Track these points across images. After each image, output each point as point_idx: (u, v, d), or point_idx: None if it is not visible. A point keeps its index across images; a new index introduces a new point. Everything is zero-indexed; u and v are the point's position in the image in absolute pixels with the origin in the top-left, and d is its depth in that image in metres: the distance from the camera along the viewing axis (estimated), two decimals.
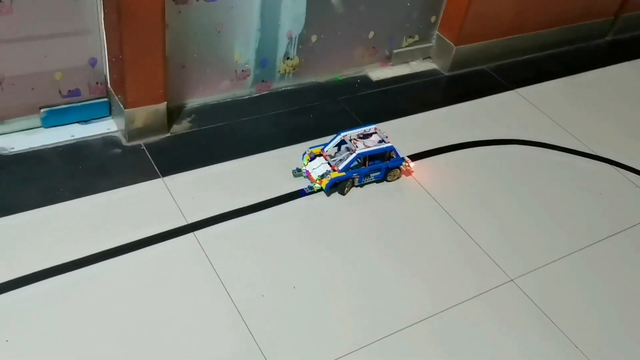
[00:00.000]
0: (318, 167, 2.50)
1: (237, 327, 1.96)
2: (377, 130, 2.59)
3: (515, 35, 3.48)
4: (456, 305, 2.15)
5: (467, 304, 2.16)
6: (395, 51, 3.30)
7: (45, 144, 2.49)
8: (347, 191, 2.49)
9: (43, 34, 2.33)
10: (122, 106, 2.48)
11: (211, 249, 2.18)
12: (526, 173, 2.80)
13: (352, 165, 2.46)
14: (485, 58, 3.46)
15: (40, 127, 2.53)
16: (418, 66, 3.41)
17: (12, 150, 2.43)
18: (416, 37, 3.33)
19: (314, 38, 2.95)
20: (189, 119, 2.76)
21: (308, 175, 2.51)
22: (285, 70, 2.97)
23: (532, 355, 2.04)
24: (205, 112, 2.81)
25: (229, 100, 2.90)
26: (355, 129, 2.58)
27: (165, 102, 2.54)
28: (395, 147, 2.55)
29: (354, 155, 2.46)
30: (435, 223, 2.47)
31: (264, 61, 2.88)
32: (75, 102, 2.55)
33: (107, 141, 2.57)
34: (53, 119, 2.53)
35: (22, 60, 2.34)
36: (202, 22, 2.59)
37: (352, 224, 2.39)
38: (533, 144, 2.98)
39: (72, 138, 2.54)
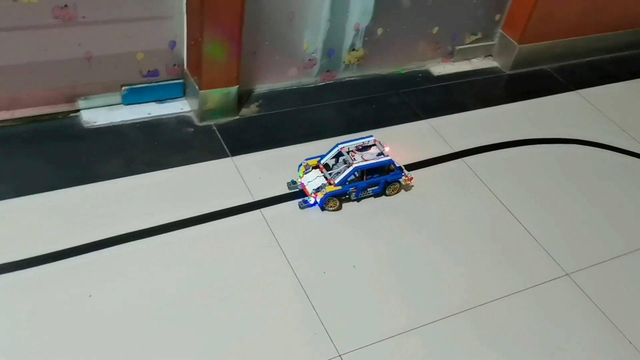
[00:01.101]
0: (313, 180, 2.39)
1: (300, 299, 2.07)
2: (376, 142, 2.47)
3: (578, 37, 3.48)
4: (508, 295, 2.20)
5: (519, 295, 2.21)
6: (457, 47, 3.35)
7: (124, 119, 2.66)
8: (335, 208, 2.39)
9: (129, 17, 2.48)
10: (197, 87, 2.62)
11: (276, 226, 2.29)
12: (584, 173, 2.82)
13: (349, 179, 2.37)
14: (548, 58, 3.48)
15: (120, 104, 2.70)
16: (479, 63, 3.45)
17: (94, 124, 2.60)
18: (479, 35, 3.37)
19: (379, 31, 3.03)
20: (257, 103, 2.88)
21: (303, 188, 2.41)
22: (350, 61, 3.07)
23: (584, 349, 2.08)
24: (272, 98, 2.93)
25: (295, 87, 3.02)
26: (353, 140, 2.47)
27: (237, 86, 2.67)
28: (394, 160, 2.44)
29: (350, 168, 2.34)
30: (492, 215, 2.52)
31: (331, 51, 2.98)
32: (153, 82, 2.70)
33: (181, 120, 2.72)
34: (132, 96, 2.69)
35: (109, 41, 2.50)
36: (276, 10, 2.70)
37: (414, 213, 2.47)
38: (592, 145, 2.99)
39: (149, 116, 2.70)
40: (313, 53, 2.95)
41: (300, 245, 2.25)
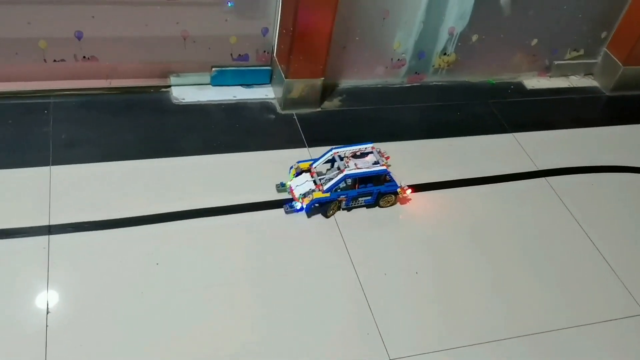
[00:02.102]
0: (302, 184, 2.28)
1: (356, 295, 2.05)
2: (373, 150, 2.32)
3: None
4: (578, 326, 2.08)
5: (589, 328, 2.09)
6: (556, 62, 3.20)
7: (211, 99, 2.74)
8: (332, 214, 2.27)
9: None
10: (283, 76, 2.65)
11: (343, 222, 2.28)
12: None
13: (338, 187, 2.24)
14: None
15: (208, 84, 2.79)
16: (578, 81, 3.28)
17: (182, 101, 2.70)
18: (581, 51, 3.21)
19: (474, 37, 2.94)
20: (339, 98, 2.89)
21: (291, 192, 2.30)
22: (440, 65, 3.00)
23: None
24: (355, 94, 2.92)
25: (379, 86, 3.00)
26: (349, 146, 2.33)
27: (322, 78, 2.69)
28: (389, 171, 2.29)
29: (341, 175, 2.22)
30: (570, 240, 2.39)
31: (421, 53, 2.93)
32: (242, 66, 2.77)
33: (264, 106, 2.76)
34: (221, 78, 2.77)
35: (205, 22, 2.58)
36: (370, 7, 2.69)
37: (491, 223, 2.39)
38: None
39: (234, 98, 2.77)
40: (403, 53, 2.91)
41: (364, 243, 2.23)
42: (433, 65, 3.00)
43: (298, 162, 2.34)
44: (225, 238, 2.16)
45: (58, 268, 1.95)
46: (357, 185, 2.26)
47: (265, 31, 2.68)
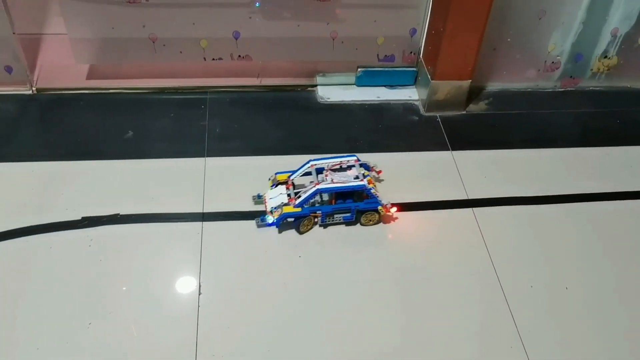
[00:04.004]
0: (276, 197, 2.15)
1: (498, 305, 1.97)
2: (356, 163, 2.16)
3: None
4: None
5: None
6: None
7: (355, 99, 2.77)
8: (305, 230, 2.12)
9: (378, 3, 2.57)
10: (429, 77, 2.62)
11: (487, 228, 2.20)
12: None
13: (310, 201, 2.09)
14: None
15: (353, 84, 2.82)
16: None
17: (327, 100, 2.76)
18: None
19: None
20: (486, 101, 2.79)
21: (265, 204, 2.18)
22: (598, 69, 2.80)
23: None
24: (503, 97, 2.81)
25: (529, 90, 2.86)
26: (329, 157, 2.18)
27: (470, 80, 2.61)
28: (367, 187, 2.09)
29: (312, 190, 2.06)
30: None
31: (578, 56, 2.75)
32: (387, 67, 2.77)
33: (407, 108, 2.75)
34: (366, 79, 2.79)
35: (355, 23, 2.61)
36: (525, 7, 2.57)
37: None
38: None
39: (377, 99, 2.78)
40: (558, 56, 2.75)
41: (509, 251, 2.13)
42: (591, 69, 2.80)
43: (276, 173, 2.23)
44: (365, 236, 2.17)
45: (209, 253, 2.07)
46: (334, 201, 2.12)
47: (413, 32, 2.66)
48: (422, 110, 2.72)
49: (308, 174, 2.17)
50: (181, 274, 2.01)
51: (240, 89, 2.77)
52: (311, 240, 2.13)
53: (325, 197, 2.12)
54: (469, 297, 1.99)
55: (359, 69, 2.77)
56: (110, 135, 2.50)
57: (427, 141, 2.58)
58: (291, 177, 2.20)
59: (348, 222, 2.17)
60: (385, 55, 2.74)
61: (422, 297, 1.98)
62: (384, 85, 2.82)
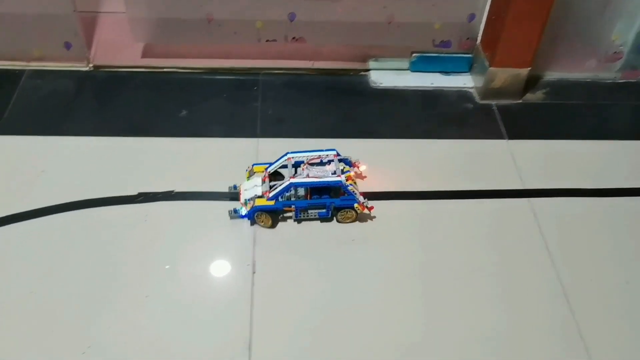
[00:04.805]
0: (250, 189, 2.09)
1: (558, 301, 1.92)
2: (335, 158, 2.09)
3: None
4: None
5: None
6: None
7: (408, 85, 2.73)
8: (263, 224, 2.07)
9: None
10: (486, 64, 2.56)
11: (544, 220, 2.15)
12: None
13: (285, 195, 2.05)
14: None
15: (406, 69, 2.79)
16: None
17: (380, 85, 2.73)
18: None
19: None
20: (543, 90, 2.72)
21: (239, 196, 2.13)
22: None
23: None
24: (561, 87, 2.74)
25: (588, 80, 2.78)
26: (308, 151, 2.11)
27: (529, 69, 2.55)
28: (343, 183, 2.02)
29: (286, 184, 2.01)
30: None
31: None
32: (443, 53, 2.72)
33: (461, 95, 2.70)
34: (420, 64, 2.75)
35: (412, 7, 2.57)
36: None
37: None
38: None
39: (431, 85, 2.73)
40: (620, 46, 2.66)
41: (568, 243, 2.08)
42: None
43: (253, 164, 2.18)
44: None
45: (263, 232, 2.07)
46: (309, 196, 2.07)
47: (471, 17, 2.60)
48: (477, 98, 2.67)
49: (286, 166, 2.11)
50: (234, 251, 2.02)
51: (293, 72, 2.76)
52: (367, 229, 2.12)
53: (301, 191, 2.07)
54: (524, 289, 1.95)
55: (414, 54, 2.73)
56: (164, 113, 2.52)
57: (481, 129, 2.53)
58: (268, 169, 2.14)
59: (323, 219, 2.11)
60: (442, 41, 2.69)
61: (475, 288, 1.95)
62: (439, 72, 2.77)
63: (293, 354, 1.76)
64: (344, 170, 2.12)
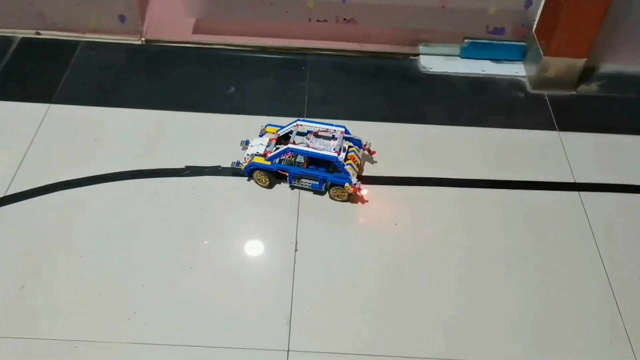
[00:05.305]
0: (256, 146, 2.18)
1: (605, 297, 1.88)
2: (342, 135, 2.11)
3: None
4: None
5: None
6: None
7: (458, 71, 2.69)
8: (259, 183, 2.14)
9: None
10: (540, 53, 2.50)
11: (594, 215, 2.10)
12: None
13: (281, 158, 2.10)
14: None
15: (457, 55, 2.74)
16: None
17: (429, 70, 2.69)
18: None
19: None
20: (598, 82, 2.64)
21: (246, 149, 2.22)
22: None
23: None
24: (617, 80, 2.65)
25: None
26: (319, 122, 2.15)
27: (585, 59, 2.47)
28: (340, 161, 2.03)
29: (284, 147, 2.08)
30: None
31: None
32: (496, 40, 2.66)
33: (512, 83, 2.64)
34: (472, 51, 2.70)
35: None
36: None
37: None
38: None
39: (482, 73, 2.68)
40: None
41: (618, 239, 2.03)
42: None
43: (267, 124, 2.26)
44: (460, 210, 2.12)
45: (307, 209, 2.08)
46: (307, 165, 2.11)
47: (528, 4, 2.54)
48: (528, 88, 2.61)
49: (297, 133, 2.16)
50: (278, 228, 2.03)
51: (342, 53, 2.74)
52: (409, 208, 2.11)
53: (301, 159, 2.12)
54: (571, 282, 1.91)
55: (466, 40, 2.68)
56: (213, 89, 2.54)
57: (532, 120, 2.47)
58: (279, 132, 2.20)
59: (316, 191, 2.14)
60: (495, 28, 2.63)
61: (520, 278, 1.92)
62: (490, 59, 2.72)
63: (331, 330, 1.78)
64: (350, 149, 2.14)
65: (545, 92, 2.58)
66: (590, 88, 2.62)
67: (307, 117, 2.43)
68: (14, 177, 2.13)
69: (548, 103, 2.55)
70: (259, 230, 2.03)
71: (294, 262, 1.93)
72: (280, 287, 1.87)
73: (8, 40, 2.70)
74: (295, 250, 1.96)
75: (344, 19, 2.64)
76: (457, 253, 1.99)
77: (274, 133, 2.21)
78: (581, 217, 2.10)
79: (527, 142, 2.38)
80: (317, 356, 1.72)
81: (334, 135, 2.12)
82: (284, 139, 2.20)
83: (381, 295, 1.87)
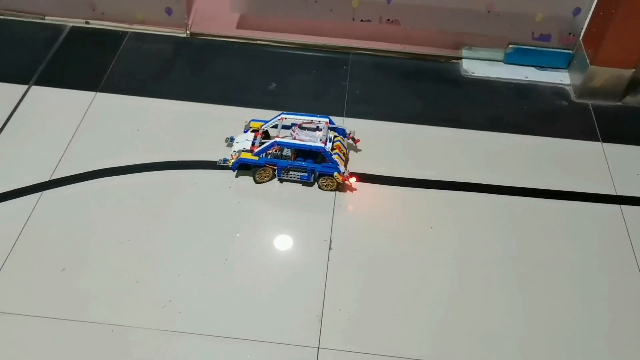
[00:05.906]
0: (242, 142, 2.19)
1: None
2: (326, 125, 2.15)
3: None
4: None
5: None
6: None
7: (500, 77, 2.66)
8: (261, 180, 2.15)
9: None
10: (587, 62, 2.45)
11: (635, 229, 2.06)
12: None
13: (267, 152, 2.11)
14: None
15: (500, 61, 2.71)
16: None
17: (472, 75, 2.67)
18: None
19: None
20: None
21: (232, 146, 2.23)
22: None
23: None
24: None
25: None
26: (302, 114, 2.19)
27: (634, 70, 2.42)
28: (327, 151, 2.07)
29: (270, 141, 2.10)
30: None
31: None
32: (541, 47, 2.63)
33: (556, 92, 2.60)
34: (516, 56, 2.66)
35: None
36: None
37: None
38: None
39: (525, 79, 2.64)
40: None
41: None
42: None
43: (251, 120, 2.29)
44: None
45: (342, 208, 2.09)
46: (295, 157, 2.14)
47: (577, 11, 2.49)
48: (572, 96, 2.56)
49: (281, 127, 2.21)
50: (312, 226, 2.04)
51: (384, 54, 2.74)
52: (447, 211, 2.10)
53: (288, 152, 2.13)
54: (611, 297, 1.88)
55: (510, 46, 2.65)
56: (254, 85, 2.57)
57: (575, 129, 2.43)
58: (263, 127, 2.24)
59: (305, 182, 2.17)
60: (541, 34, 2.59)
61: (558, 288, 1.90)
62: (534, 66, 2.68)
63: (361, 328, 1.78)
64: (335, 138, 2.17)
65: (589, 102, 2.54)
66: (636, 99, 2.56)
67: (347, 115, 2.44)
68: (59, 161, 2.20)
69: (592, 113, 2.50)
70: (295, 228, 2.04)
71: (327, 261, 1.94)
72: (313, 284, 1.88)
73: (59, 28, 2.78)
74: (330, 249, 1.97)
75: (388, 20, 2.64)
76: (502, 260, 1.97)
77: (258, 128, 2.25)
78: (621, 231, 2.06)
79: (569, 152, 2.34)
80: (347, 355, 1.73)
81: (318, 126, 2.17)
82: (269, 134, 2.26)
83: (412, 297, 1.86)
